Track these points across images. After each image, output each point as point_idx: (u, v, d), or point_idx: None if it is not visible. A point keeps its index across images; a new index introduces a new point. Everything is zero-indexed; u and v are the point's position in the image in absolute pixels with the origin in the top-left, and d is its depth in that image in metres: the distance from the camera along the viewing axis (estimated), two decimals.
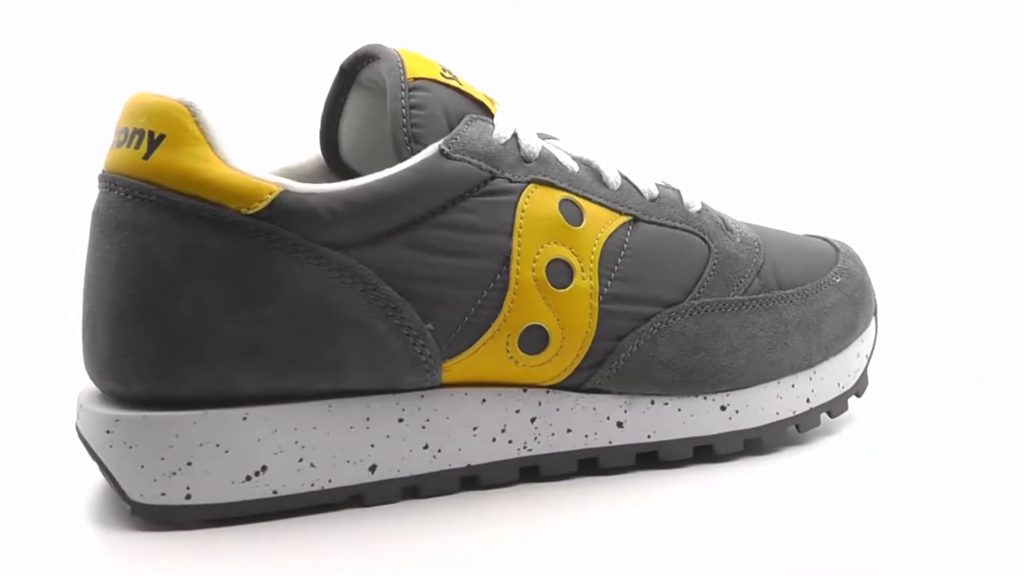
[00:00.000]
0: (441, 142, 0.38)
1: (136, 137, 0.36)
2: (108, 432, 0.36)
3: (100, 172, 0.37)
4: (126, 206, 0.36)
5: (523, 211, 0.39)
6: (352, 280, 0.36)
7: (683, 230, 0.43)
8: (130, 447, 0.36)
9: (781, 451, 0.44)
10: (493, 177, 0.39)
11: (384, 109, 0.43)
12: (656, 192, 0.43)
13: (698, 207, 0.44)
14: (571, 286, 0.39)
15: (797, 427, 0.45)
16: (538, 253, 0.39)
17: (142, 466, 0.36)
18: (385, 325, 0.37)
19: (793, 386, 0.44)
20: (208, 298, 0.35)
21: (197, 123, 0.36)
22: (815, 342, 0.45)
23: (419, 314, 0.37)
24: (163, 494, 0.36)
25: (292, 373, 0.36)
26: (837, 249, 0.49)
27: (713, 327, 0.42)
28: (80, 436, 0.37)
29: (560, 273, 0.39)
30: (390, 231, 0.37)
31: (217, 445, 0.36)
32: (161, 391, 0.36)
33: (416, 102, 0.39)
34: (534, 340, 0.39)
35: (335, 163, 0.44)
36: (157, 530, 0.36)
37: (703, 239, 0.43)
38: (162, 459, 0.36)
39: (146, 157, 0.36)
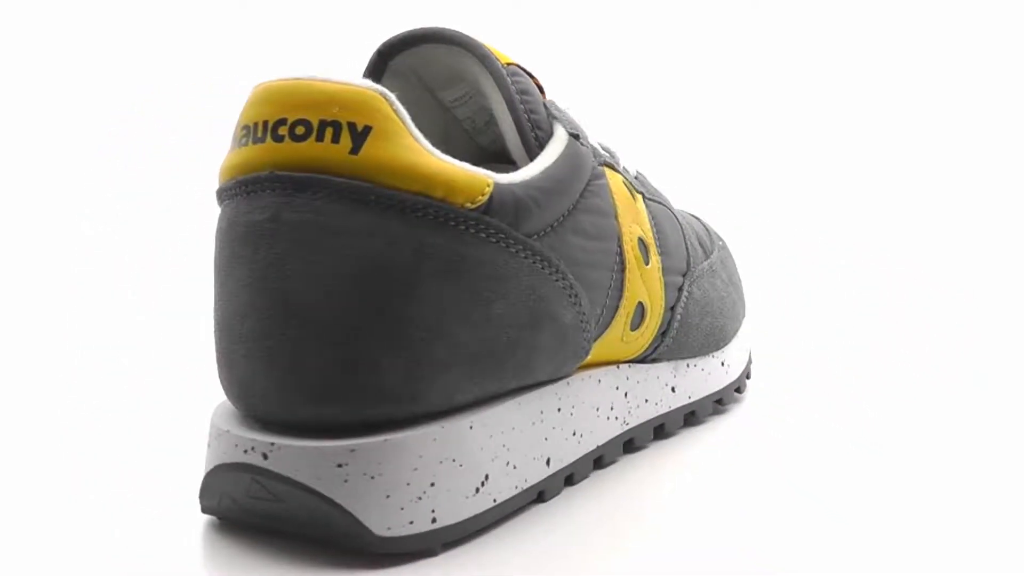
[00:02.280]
0: (567, 127, 0.38)
1: (329, 130, 0.32)
2: (342, 465, 0.32)
3: (264, 172, 0.32)
4: (333, 208, 0.32)
5: (613, 192, 0.40)
6: (550, 271, 0.36)
7: (664, 205, 0.46)
8: (372, 477, 0.32)
9: (749, 396, 0.50)
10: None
11: (421, 98, 0.42)
12: (634, 171, 0.46)
13: (654, 183, 0.48)
14: (651, 263, 0.42)
15: (748, 376, 0.51)
16: (630, 232, 0.41)
17: (387, 496, 0.32)
18: (571, 315, 0.37)
19: (739, 337, 0.50)
20: (444, 302, 0.33)
21: (396, 112, 0.33)
22: (740, 297, 0.51)
23: (590, 300, 0.37)
24: (411, 522, 0.32)
25: (504, 374, 0.35)
26: (694, 215, 0.55)
27: (705, 291, 0.47)
28: (262, 479, 0.32)
29: (643, 251, 0.41)
30: (558, 218, 0.36)
31: (453, 460, 0.33)
32: (408, 409, 0.32)
33: (521, 88, 0.38)
34: (637, 317, 0.41)
35: None
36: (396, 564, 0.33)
37: (672, 212, 0.47)
38: (408, 484, 0.32)
39: (354, 152, 0.32)
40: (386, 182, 0.32)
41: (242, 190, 0.33)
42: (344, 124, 0.32)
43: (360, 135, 0.32)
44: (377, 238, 0.32)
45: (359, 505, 0.32)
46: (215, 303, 0.34)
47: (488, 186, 0.34)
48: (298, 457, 0.32)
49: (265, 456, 0.32)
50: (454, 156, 0.42)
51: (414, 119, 0.41)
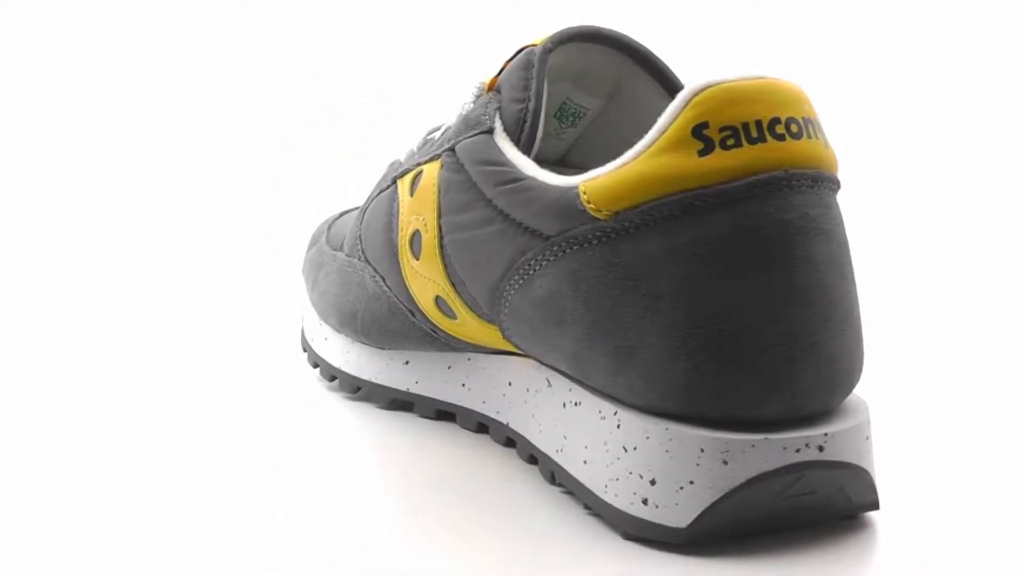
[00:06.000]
0: None
1: (810, 126, 0.34)
2: (868, 438, 0.34)
3: (780, 172, 0.32)
4: (829, 200, 0.34)
5: None
6: None
7: None
8: (868, 440, 0.35)
9: None
10: None
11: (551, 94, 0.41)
12: None
13: None
14: None
15: None
16: None
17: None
18: None
19: None
20: None
21: None
22: None
23: None
24: None
25: None
26: None
27: None
28: (813, 472, 0.33)
29: None
30: None
31: None
32: None
33: None
34: None
35: None
36: None
37: None
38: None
39: (826, 146, 0.34)
40: (833, 172, 0.35)
41: (755, 192, 0.32)
42: (813, 120, 0.34)
43: (819, 129, 0.34)
44: (840, 226, 0.35)
45: (873, 470, 0.35)
46: (702, 312, 0.32)
47: None
48: (848, 439, 0.33)
49: (821, 448, 0.33)
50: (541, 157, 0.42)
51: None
